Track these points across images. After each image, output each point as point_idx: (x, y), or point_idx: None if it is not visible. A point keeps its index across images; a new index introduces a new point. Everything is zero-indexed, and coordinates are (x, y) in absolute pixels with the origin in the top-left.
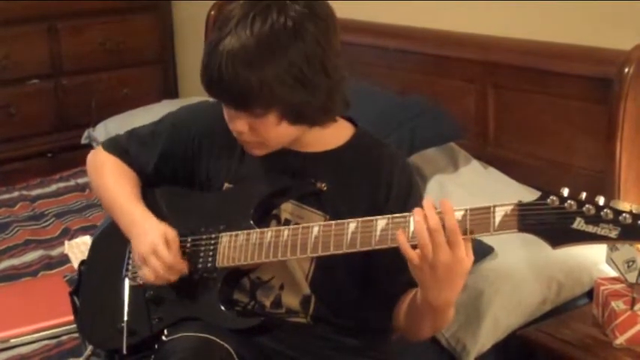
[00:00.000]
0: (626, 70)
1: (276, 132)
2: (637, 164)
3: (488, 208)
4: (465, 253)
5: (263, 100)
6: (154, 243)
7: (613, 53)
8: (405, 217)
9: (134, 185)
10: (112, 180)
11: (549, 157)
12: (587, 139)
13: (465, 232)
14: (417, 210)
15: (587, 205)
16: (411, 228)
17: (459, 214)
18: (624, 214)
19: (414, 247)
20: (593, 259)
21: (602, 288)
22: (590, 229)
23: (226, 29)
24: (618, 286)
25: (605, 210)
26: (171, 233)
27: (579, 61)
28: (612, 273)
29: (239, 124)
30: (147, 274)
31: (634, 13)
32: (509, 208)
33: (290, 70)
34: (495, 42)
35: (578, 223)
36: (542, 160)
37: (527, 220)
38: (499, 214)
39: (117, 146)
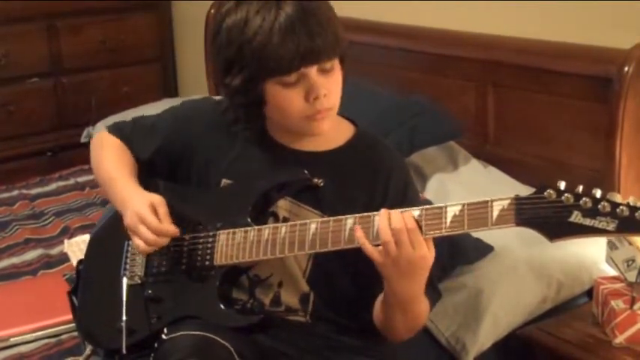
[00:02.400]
0: (626, 69)
1: (340, 89)
2: (637, 163)
3: (486, 202)
4: (427, 250)
5: (342, 43)
6: (139, 212)
7: (613, 52)
8: (401, 212)
9: (131, 167)
10: (111, 160)
11: (549, 156)
12: (587, 137)
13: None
14: (382, 211)
15: (584, 199)
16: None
17: (456, 209)
18: (621, 207)
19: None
20: (593, 258)
21: (601, 287)
22: (588, 222)
23: (266, 13)
24: (618, 285)
25: (602, 203)
26: (157, 198)
27: (579, 60)
28: (612, 272)
29: (322, 87)
30: (138, 244)
31: (634, 13)
32: (507, 202)
33: (334, 12)
34: (495, 41)
35: (576, 217)
36: (542, 159)
37: (524, 214)
38: (496, 209)
39: (120, 131)
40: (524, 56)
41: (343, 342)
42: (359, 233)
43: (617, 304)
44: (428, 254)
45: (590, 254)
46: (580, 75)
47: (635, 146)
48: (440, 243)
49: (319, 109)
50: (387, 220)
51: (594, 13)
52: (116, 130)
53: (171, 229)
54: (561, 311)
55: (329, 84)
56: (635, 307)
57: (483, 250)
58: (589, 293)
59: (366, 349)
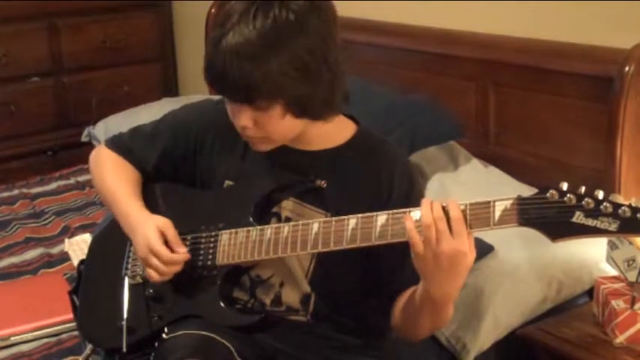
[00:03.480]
0: (627, 68)
1: (281, 126)
2: (637, 163)
3: (488, 202)
4: (468, 247)
5: (267, 93)
6: (148, 242)
7: (613, 52)
8: (405, 212)
9: (133, 182)
10: (112, 177)
11: (550, 156)
12: (588, 137)
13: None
14: (424, 199)
15: (586, 199)
16: (414, 218)
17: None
18: (623, 208)
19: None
20: (594, 257)
21: (602, 287)
22: (590, 222)
23: (228, 25)
24: (618, 285)
25: (604, 203)
26: (163, 222)
27: (580, 60)
28: (612, 272)
29: (244, 119)
30: (151, 275)
31: (634, 13)
32: (509, 202)
33: (293, 62)
34: (496, 40)
35: (578, 217)
36: (543, 159)
37: (526, 214)
38: (499, 209)
39: (119, 144)
40: (525, 56)
41: (344, 341)
42: (409, 223)
43: (618, 303)
44: (468, 251)
45: (591, 254)
46: (581, 75)
47: (636, 146)
48: None
49: (243, 134)
50: (430, 207)
51: (595, 13)
52: (114, 144)
53: (182, 256)
54: (562, 311)
55: (259, 117)
56: (636, 306)
57: (484, 249)
58: (589, 293)
59: (366, 348)
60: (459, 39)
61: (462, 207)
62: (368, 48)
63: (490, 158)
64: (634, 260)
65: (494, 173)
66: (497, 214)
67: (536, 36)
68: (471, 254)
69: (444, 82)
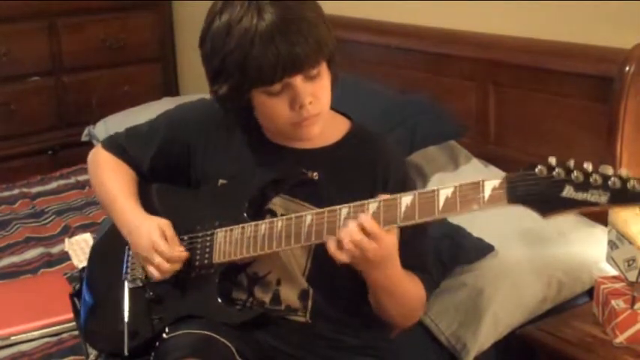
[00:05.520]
0: (627, 68)
1: (328, 92)
2: (637, 162)
3: (477, 183)
4: (388, 238)
5: (325, 47)
6: (151, 239)
7: (614, 52)
8: (395, 198)
9: (130, 182)
10: (109, 177)
11: (550, 156)
12: (588, 137)
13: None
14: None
15: (575, 172)
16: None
17: (448, 192)
18: (613, 179)
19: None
20: (594, 257)
21: (602, 287)
22: (580, 195)
23: (246, 23)
24: (618, 285)
25: (593, 176)
26: (164, 222)
27: (580, 60)
28: (612, 272)
29: (307, 95)
30: (153, 273)
31: (634, 12)
32: (498, 181)
33: (318, 12)
34: (496, 40)
35: (568, 191)
36: (543, 159)
37: (516, 191)
38: (488, 188)
39: (115, 144)
40: (526, 55)
41: (343, 341)
42: (331, 244)
43: (618, 303)
44: (389, 241)
45: (591, 254)
46: (581, 74)
47: (636, 145)
48: (440, 241)
49: (306, 116)
50: (339, 235)
51: (595, 13)
52: (110, 145)
53: (183, 254)
54: (562, 311)
55: (315, 90)
56: (636, 306)
57: (484, 249)
58: (589, 293)
59: (366, 348)
60: (459, 39)
61: (451, 189)
62: (368, 48)
63: (490, 158)
64: (634, 260)
65: (494, 173)
66: (487, 193)
67: (536, 36)
68: (391, 239)
69: (444, 81)
